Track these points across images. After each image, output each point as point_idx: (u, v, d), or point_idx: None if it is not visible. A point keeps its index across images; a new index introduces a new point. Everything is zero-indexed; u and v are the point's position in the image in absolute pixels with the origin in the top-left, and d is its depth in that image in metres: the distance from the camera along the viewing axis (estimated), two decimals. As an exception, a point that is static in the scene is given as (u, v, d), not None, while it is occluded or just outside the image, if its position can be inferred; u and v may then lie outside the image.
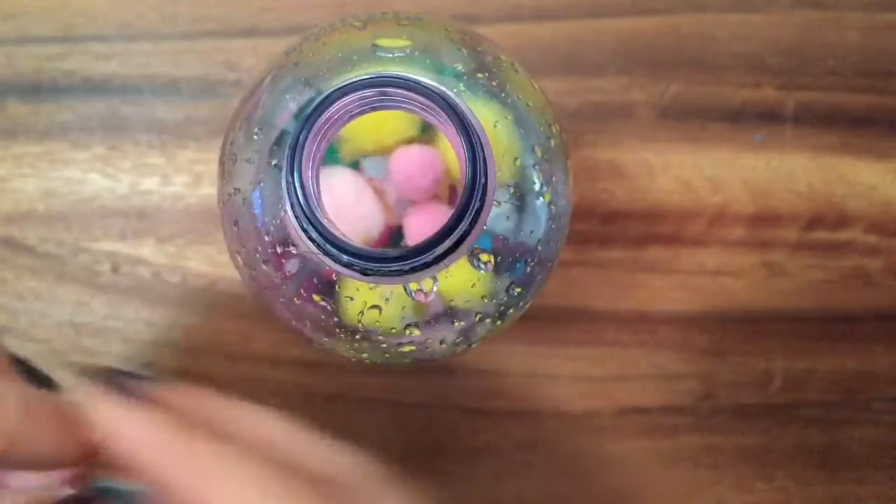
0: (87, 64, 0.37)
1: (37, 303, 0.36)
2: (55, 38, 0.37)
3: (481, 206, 0.21)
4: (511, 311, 0.25)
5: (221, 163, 0.25)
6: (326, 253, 0.21)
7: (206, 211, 0.36)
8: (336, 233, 0.21)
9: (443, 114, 0.21)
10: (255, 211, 0.23)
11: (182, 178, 0.36)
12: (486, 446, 0.36)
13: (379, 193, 0.28)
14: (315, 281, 0.23)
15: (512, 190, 0.24)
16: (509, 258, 0.24)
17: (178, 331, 0.36)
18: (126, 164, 0.37)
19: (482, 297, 0.24)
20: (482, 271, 0.23)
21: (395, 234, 0.28)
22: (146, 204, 0.36)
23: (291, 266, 0.23)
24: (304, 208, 0.21)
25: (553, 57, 0.36)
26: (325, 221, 0.21)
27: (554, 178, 0.25)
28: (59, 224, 0.37)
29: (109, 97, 0.37)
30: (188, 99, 0.37)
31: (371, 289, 0.23)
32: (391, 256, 0.21)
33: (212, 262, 0.36)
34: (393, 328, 0.24)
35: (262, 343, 0.36)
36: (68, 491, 0.23)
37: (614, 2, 0.36)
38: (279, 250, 0.23)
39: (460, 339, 0.25)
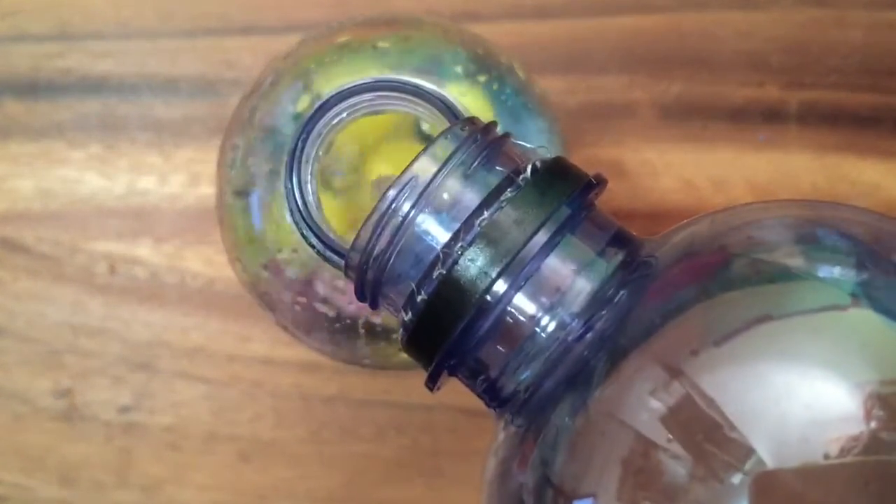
0: (84, 62, 0.37)
1: (34, 303, 0.36)
2: (51, 37, 0.37)
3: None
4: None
5: (219, 167, 0.25)
6: (326, 259, 0.21)
7: (204, 211, 0.36)
8: (335, 238, 0.21)
9: (441, 117, 0.21)
10: (254, 216, 0.23)
11: (180, 177, 0.36)
12: (486, 447, 0.36)
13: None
14: (315, 287, 0.23)
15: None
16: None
17: (175, 331, 0.36)
18: (123, 163, 0.36)
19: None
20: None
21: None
22: (143, 204, 0.36)
23: (291, 272, 0.23)
24: (304, 214, 0.21)
25: (554, 55, 0.36)
26: (324, 227, 0.21)
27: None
28: (56, 224, 0.36)
29: (106, 96, 0.37)
30: (186, 98, 0.36)
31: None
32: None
33: (210, 263, 0.36)
34: (394, 333, 0.24)
35: (261, 343, 0.36)
36: None
37: (616, 0, 0.36)
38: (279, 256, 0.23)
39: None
